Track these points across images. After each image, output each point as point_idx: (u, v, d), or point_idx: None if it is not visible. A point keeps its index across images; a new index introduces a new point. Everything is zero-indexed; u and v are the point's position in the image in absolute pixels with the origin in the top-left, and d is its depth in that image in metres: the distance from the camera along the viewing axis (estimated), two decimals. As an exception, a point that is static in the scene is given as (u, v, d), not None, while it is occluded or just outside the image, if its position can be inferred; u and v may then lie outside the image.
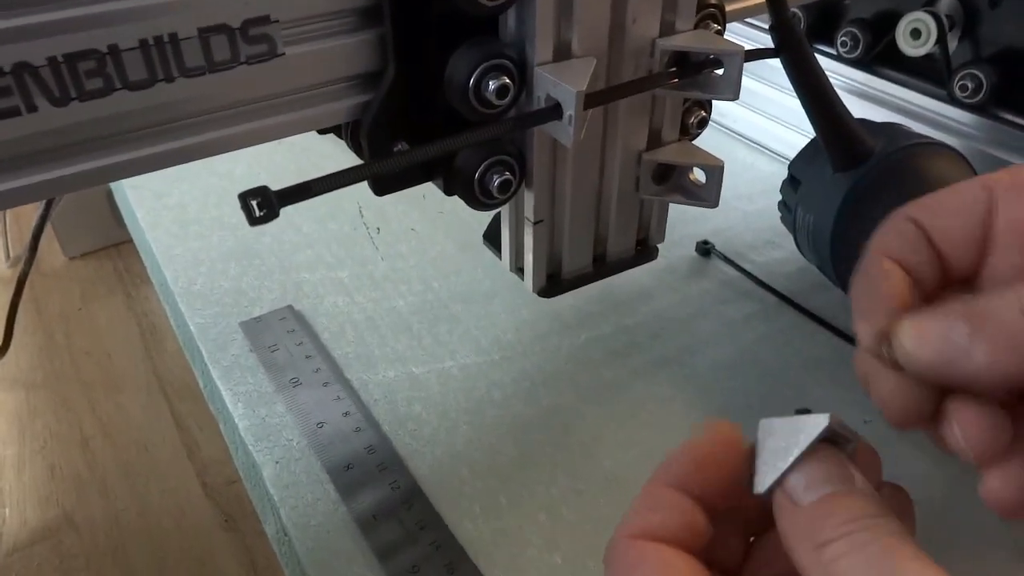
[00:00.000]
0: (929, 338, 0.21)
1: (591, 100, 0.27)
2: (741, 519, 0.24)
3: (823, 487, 0.20)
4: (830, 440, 0.21)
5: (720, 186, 0.33)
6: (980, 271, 0.23)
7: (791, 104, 0.63)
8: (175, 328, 0.51)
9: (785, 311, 0.49)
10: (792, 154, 0.47)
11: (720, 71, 0.30)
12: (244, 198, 0.21)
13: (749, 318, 0.48)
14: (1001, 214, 0.22)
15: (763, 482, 0.21)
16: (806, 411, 0.21)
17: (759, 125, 0.66)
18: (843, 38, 0.57)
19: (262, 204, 0.21)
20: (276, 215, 0.21)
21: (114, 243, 1.48)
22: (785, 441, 0.21)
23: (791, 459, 0.21)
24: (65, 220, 1.43)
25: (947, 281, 0.24)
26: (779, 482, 0.21)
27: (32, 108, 0.23)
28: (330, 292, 0.51)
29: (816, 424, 0.21)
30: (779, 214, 0.51)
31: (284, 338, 0.47)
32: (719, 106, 0.70)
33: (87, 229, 1.46)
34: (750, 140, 0.67)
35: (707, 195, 0.33)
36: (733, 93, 0.30)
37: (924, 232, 0.23)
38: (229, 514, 0.94)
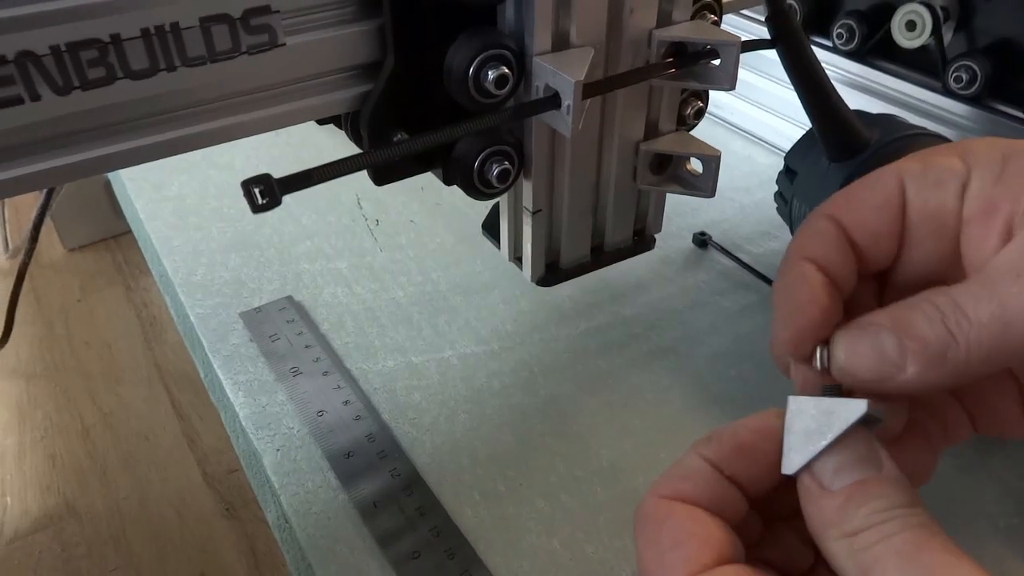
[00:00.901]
0: (863, 355, 0.21)
1: (589, 90, 0.27)
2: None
3: (853, 473, 0.20)
4: (864, 423, 0.20)
5: (717, 176, 0.33)
6: (896, 264, 0.23)
7: (788, 96, 0.63)
8: (175, 319, 0.52)
9: (781, 301, 0.49)
10: (788, 146, 0.47)
11: (717, 62, 0.30)
12: (247, 186, 0.21)
13: (745, 309, 0.49)
14: (911, 203, 0.22)
15: (792, 463, 0.21)
16: (836, 389, 0.21)
17: (756, 117, 0.66)
18: (839, 30, 0.57)
19: (264, 192, 0.21)
20: (278, 202, 0.22)
21: (113, 235, 1.49)
22: (817, 423, 0.20)
23: (823, 443, 0.20)
24: (64, 212, 1.43)
25: (868, 275, 0.24)
26: (808, 465, 0.20)
27: (35, 97, 0.23)
28: (329, 283, 0.51)
29: (853, 409, 0.20)
30: (775, 205, 0.51)
31: (284, 328, 0.47)
32: (716, 98, 0.70)
33: (86, 221, 1.46)
34: (747, 132, 0.67)
35: (704, 185, 0.34)
36: (730, 83, 0.30)
37: (843, 229, 0.23)
38: (229, 502, 0.95)
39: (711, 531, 0.21)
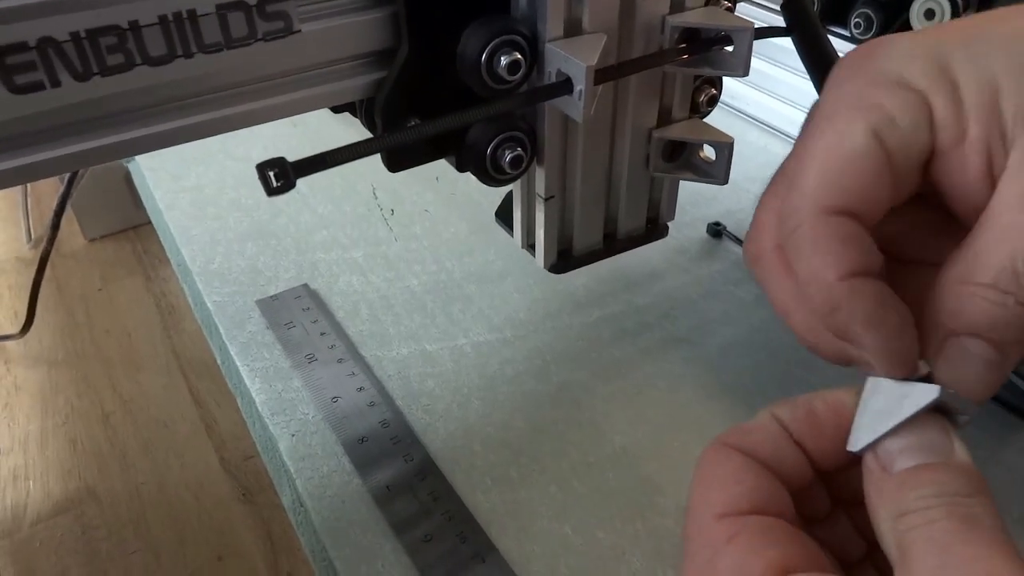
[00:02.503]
0: (972, 379, 0.21)
1: (601, 76, 0.27)
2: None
3: (916, 456, 0.20)
4: (941, 411, 0.20)
5: (730, 163, 0.33)
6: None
7: (803, 86, 0.63)
8: (193, 306, 0.52)
9: (796, 291, 0.49)
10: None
11: (730, 48, 0.30)
12: (262, 169, 0.22)
13: (760, 299, 0.49)
14: (894, 158, 0.21)
15: (858, 440, 0.21)
16: (925, 378, 0.21)
17: (771, 107, 0.66)
18: (856, 19, 0.57)
19: (279, 175, 0.21)
20: (292, 185, 0.22)
21: (133, 225, 1.50)
22: (889, 404, 0.20)
23: (892, 423, 0.20)
24: (85, 203, 1.45)
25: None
26: (874, 444, 0.20)
27: (56, 83, 0.24)
28: (344, 272, 0.51)
29: (925, 393, 0.20)
30: (791, 195, 0.51)
31: (300, 316, 0.47)
32: (731, 88, 0.70)
33: (106, 212, 1.48)
34: (762, 122, 0.67)
35: (717, 172, 0.34)
36: (743, 69, 0.30)
37: (859, 221, 0.21)
38: (246, 487, 0.96)
39: (759, 482, 0.21)
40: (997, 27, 0.21)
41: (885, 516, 0.20)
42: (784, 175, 0.24)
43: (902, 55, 0.21)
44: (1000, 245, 0.19)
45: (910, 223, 0.24)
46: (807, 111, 0.25)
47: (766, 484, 0.21)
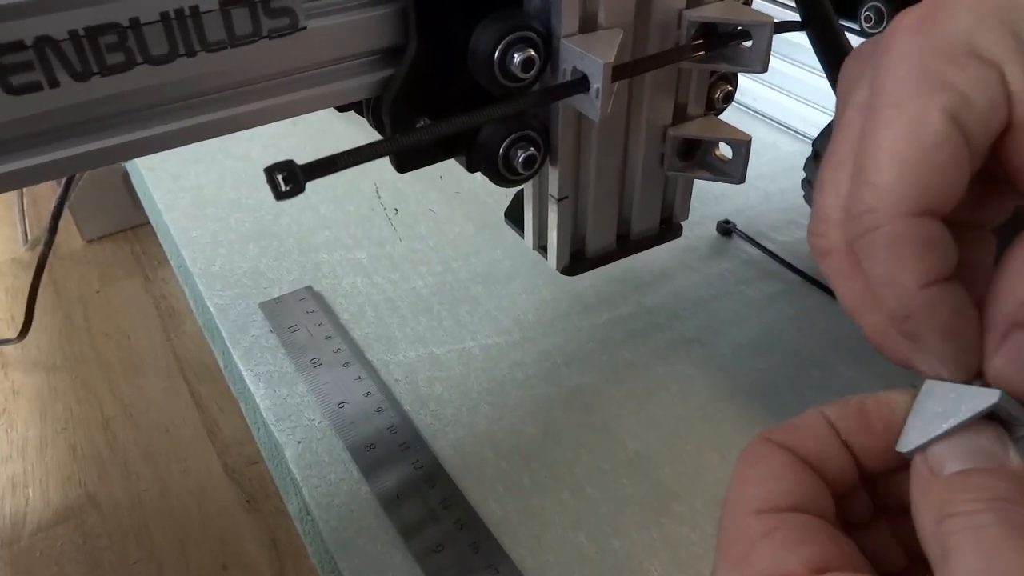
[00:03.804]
0: None
1: (619, 72, 0.26)
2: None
3: (969, 460, 0.19)
4: (999, 419, 0.20)
5: (747, 162, 0.32)
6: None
7: (813, 82, 0.62)
8: (194, 309, 0.51)
9: (809, 291, 0.48)
10: (815, 133, 0.46)
11: (748, 43, 0.29)
12: (270, 172, 0.21)
13: (772, 298, 0.48)
14: (972, 142, 0.19)
15: (909, 442, 0.20)
16: (984, 383, 0.20)
17: (781, 104, 0.65)
18: (867, 12, 0.56)
19: (288, 179, 0.21)
20: (302, 189, 0.21)
21: (131, 226, 1.49)
22: (944, 407, 0.20)
23: (945, 427, 0.19)
24: (83, 204, 1.44)
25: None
26: (925, 446, 0.20)
27: (54, 83, 0.23)
28: (349, 273, 0.50)
29: (983, 398, 0.19)
30: (801, 193, 0.50)
31: (304, 319, 0.47)
32: (740, 85, 0.69)
33: (104, 213, 1.46)
34: (771, 119, 0.66)
35: (733, 171, 0.33)
36: (762, 65, 0.29)
37: (935, 218, 0.20)
38: (250, 494, 0.95)
39: (800, 480, 0.20)
40: None
41: (930, 518, 0.19)
42: (844, 160, 0.22)
43: (969, 18, 0.19)
44: None
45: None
46: (841, 68, 0.23)
47: (808, 483, 0.21)
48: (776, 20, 0.32)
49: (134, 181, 0.64)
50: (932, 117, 0.19)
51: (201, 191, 0.59)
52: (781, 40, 0.64)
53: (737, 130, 0.32)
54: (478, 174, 0.31)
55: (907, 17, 0.20)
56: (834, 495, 0.21)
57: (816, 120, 0.61)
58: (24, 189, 1.43)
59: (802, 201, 0.50)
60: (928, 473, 0.19)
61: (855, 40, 0.57)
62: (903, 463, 0.21)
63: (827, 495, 0.21)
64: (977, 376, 0.20)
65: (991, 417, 0.19)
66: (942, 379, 0.20)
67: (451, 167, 0.32)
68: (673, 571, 0.33)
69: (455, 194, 0.58)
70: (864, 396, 0.22)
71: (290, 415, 0.41)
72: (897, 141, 0.19)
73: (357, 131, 0.29)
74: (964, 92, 0.19)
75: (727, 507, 0.21)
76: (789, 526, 0.19)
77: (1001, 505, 0.18)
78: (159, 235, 0.59)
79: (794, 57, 0.63)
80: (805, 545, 0.19)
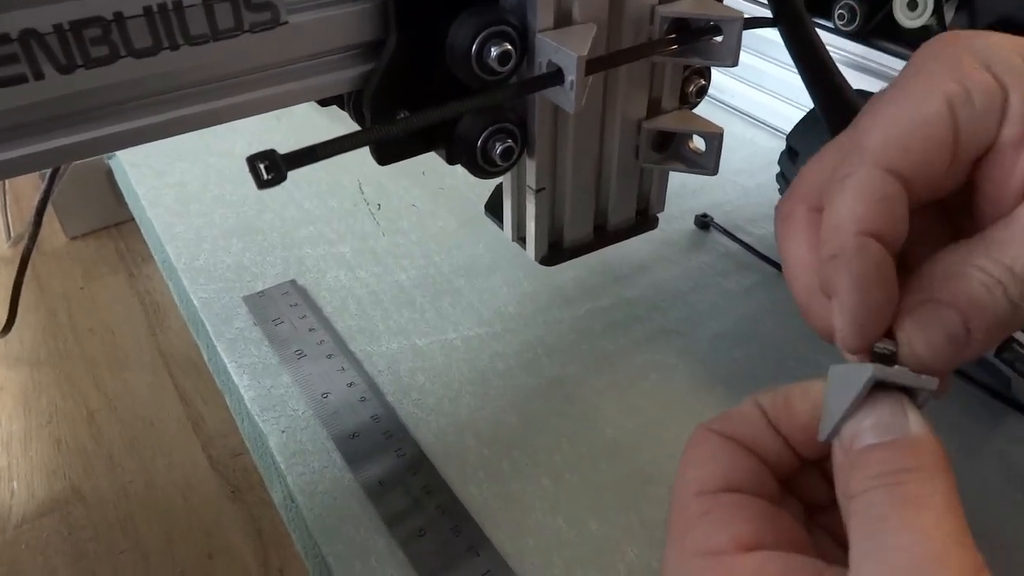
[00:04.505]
0: (935, 345, 0.21)
1: (592, 66, 0.27)
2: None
3: (869, 437, 0.20)
4: (901, 389, 0.20)
5: (719, 154, 0.33)
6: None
7: (789, 78, 0.63)
8: (179, 304, 0.52)
9: (784, 283, 0.49)
10: (790, 128, 0.47)
11: (719, 38, 0.30)
12: (252, 161, 0.21)
13: (749, 290, 0.49)
14: (961, 135, 0.21)
15: (824, 430, 0.21)
16: (884, 358, 0.21)
17: (758, 100, 0.66)
18: (840, 10, 0.57)
19: (270, 167, 0.21)
20: (284, 178, 0.22)
21: (115, 222, 1.49)
22: (844, 390, 0.21)
23: (844, 407, 0.20)
24: (66, 200, 1.43)
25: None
26: (837, 431, 0.21)
27: (39, 75, 0.23)
28: (332, 267, 0.51)
29: (864, 371, 0.20)
30: (777, 187, 0.51)
31: (287, 312, 0.47)
32: (718, 81, 0.70)
33: (88, 209, 1.46)
34: (748, 115, 0.67)
35: (706, 163, 0.34)
36: (732, 59, 0.30)
37: (905, 187, 0.21)
38: (235, 485, 0.96)
39: (735, 463, 0.22)
40: None
41: (842, 496, 0.20)
42: (839, 143, 0.23)
43: (993, 47, 0.21)
44: (1018, 244, 0.20)
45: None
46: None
47: (743, 465, 0.22)
48: (749, 16, 0.33)
49: (118, 178, 0.65)
50: (931, 97, 0.20)
51: (185, 187, 0.59)
52: (759, 37, 0.65)
53: (710, 123, 0.33)
54: (460, 169, 0.31)
55: (939, 39, 0.23)
56: (778, 478, 0.22)
57: (792, 116, 0.62)
58: (7, 186, 1.42)
59: (778, 195, 0.51)
60: (842, 456, 0.21)
61: (825, 37, 0.58)
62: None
63: (767, 476, 0.22)
64: (872, 355, 0.21)
65: (898, 389, 0.20)
66: (843, 345, 0.21)
67: (434, 163, 0.33)
68: (649, 553, 0.34)
69: (438, 189, 0.58)
70: (791, 385, 0.23)
71: (274, 405, 0.41)
72: (893, 111, 0.21)
73: (341, 127, 0.29)
74: (967, 90, 0.20)
75: (673, 491, 0.23)
76: (722, 506, 0.21)
77: (891, 479, 0.19)
78: (143, 231, 0.59)
79: (771, 54, 0.64)
80: (737, 523, 0.20)
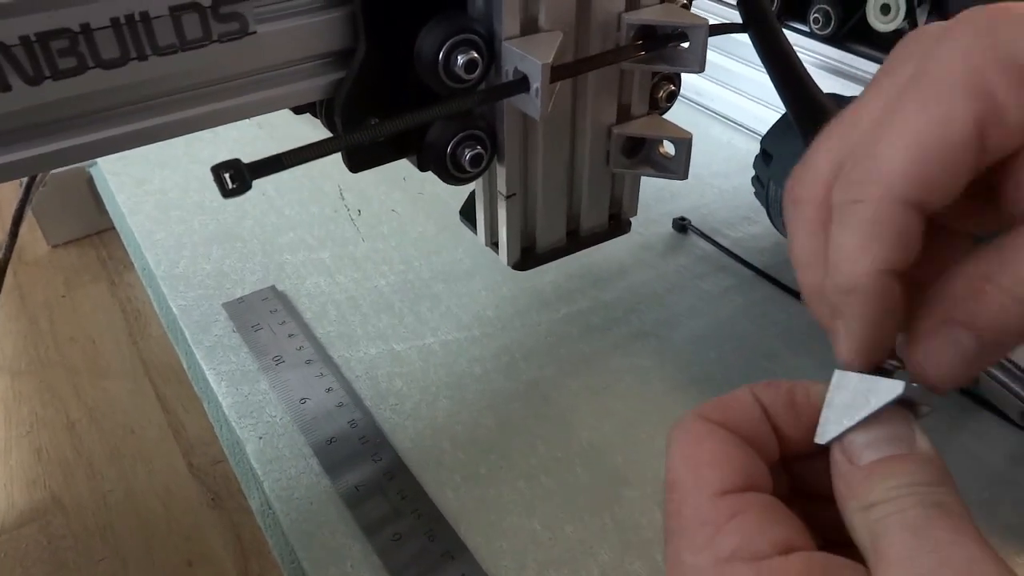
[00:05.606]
0: (946, 363, 0.20)
1: (557, 73, 0.27)
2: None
3: (882, 449, 0.20)
4: (904, 403, 0.21)
5: (689, 158, 0.34)
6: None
7: (767, 82, 0.63)
8: (158, 311, 0.52)
9: (761, 284, 0.50)
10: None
11: (686, 44, 0.31)
12: (217, 171, 0.21)
13: (725, 292, 0.49)
14: (989, 142, 0.19)
15: (825, 433, 0.21)
16: (885, 372, 0.21)
17: (735, 103, 0.67)
18: (815, 14, 0.58)
19: (234, 176, 0.21)
20: (248, 187, 0.22)
21: (96, 231, 1.48)
22: (855, 398, 0.21)
23: (857, 418, 0.20)
24: (47, 209, 1.42)
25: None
26: (840, 437, 0.21)
27: (6, 87, 0.23)
28: (312, 273, 0.51)
29: (891, 389, 0.20)
30: (753, 191, 0.52)
31: (267, 318, 0.47)
32: (696, 85, 0.70)
33: (69, 218, 1.45)
34: (726, 118, 0.67)
35: (676, 167, 0.34)
36: (699, 65, 0.31)
37: (920, 211, 0.20)
38: (215, 493, 0.95)
39: (746, 459, 0.21)
40: None
41: (855, 507, 0.20)
42: (859, 122, 0.22)
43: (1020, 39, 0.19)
44: None
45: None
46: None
47: (751, 461, 0.21)
48: (718, 22, 0.33)
49: (98, 186, 0.65)
50: (963, 121, 0.19)
51: (165, 195, 0.59)
52: (736, 41, 0.66)
53: (679, 128, 0.34)
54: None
55: (976, 13, 0.20)
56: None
57: (770, 119, 0.63)
58: (-13, 195, 1.41)
59: (754, 198, 0.52)
60: (847, 463, 0.20)
61: (800, 41, 0.59)
62: (817, 450, 0.22)
63: (767, 473, 0.21)
64: (877, 369, 0.21)
65: (899, 403, 0.20)
66: (846, 366, 0.21)
67: (414, 169, 0.33)
68: (624, 555, 0.35)
69: (418, 195, 0.59)
70: (793, 383, 0.23)
71: (252, 412, 0.41)
72: (921, 130, 0.19)
73: (323, 133, 0.29)
74: (1001, 106, 0.19)
75: (679, 490, 0.21)
76: (753, 508, 0.20)
77: (917, 488, 0.19)
78: (123, 238, 0.59)
79: (748, 58, 0.65)
80: (775, 526, 0.19)
